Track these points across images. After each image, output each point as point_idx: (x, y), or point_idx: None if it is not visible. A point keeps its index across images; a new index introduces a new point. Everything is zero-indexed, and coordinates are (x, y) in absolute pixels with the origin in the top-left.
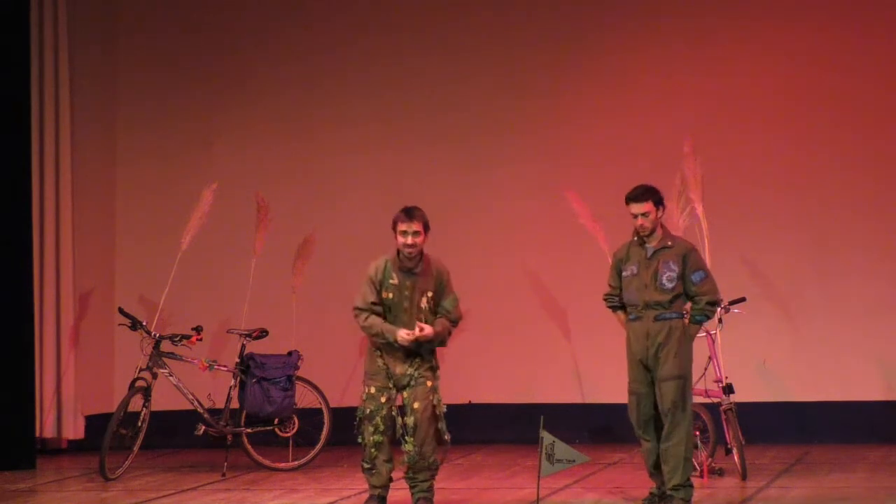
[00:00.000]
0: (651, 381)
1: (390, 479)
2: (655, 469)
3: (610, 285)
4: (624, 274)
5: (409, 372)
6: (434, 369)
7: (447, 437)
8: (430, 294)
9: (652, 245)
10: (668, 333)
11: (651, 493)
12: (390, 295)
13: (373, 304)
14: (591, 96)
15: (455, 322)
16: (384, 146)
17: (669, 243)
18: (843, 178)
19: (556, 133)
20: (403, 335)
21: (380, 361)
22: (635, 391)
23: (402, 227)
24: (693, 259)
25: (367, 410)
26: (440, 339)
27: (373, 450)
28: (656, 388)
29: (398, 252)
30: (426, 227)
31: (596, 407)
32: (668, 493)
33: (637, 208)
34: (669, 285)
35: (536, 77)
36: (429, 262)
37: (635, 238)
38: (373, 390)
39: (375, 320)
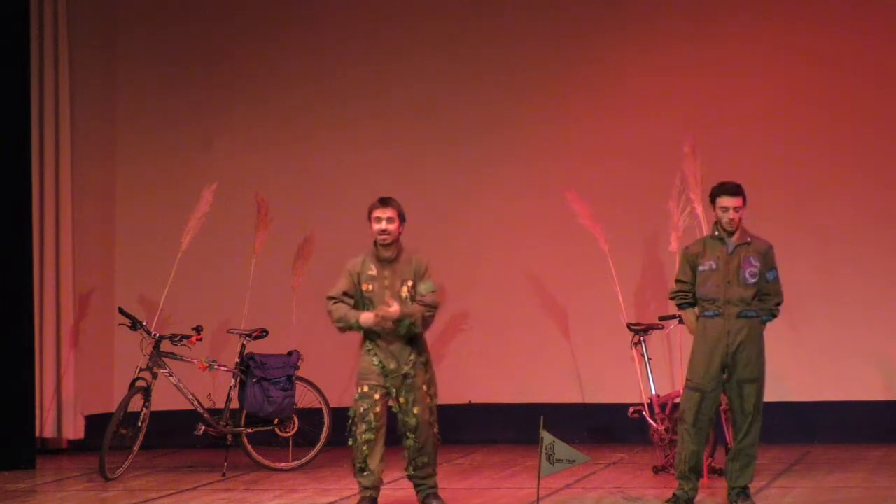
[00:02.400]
0: (721, 380)
1: (381, 481)
2: (693, 473)
3: (681, 281)
4: (700, 268)
5: (404, 370)
6: (426, 364)
7: (436, 429)
8: (409, 283)
9: (733, 241)
10: (748, 332)
11: (675, 496)
12: (370, 287)
13: (344, 293)
14: (591, 96)
15: (430, 307)
16: (384, 146)
17: (749, 239)
18: (844, 178)
19: (555, 133)
20: (367, 316)
21: (374, 360)
22: (701, 388)
23: (376, 213)
24: (771, 257)
25: (361, 409)
26: (411, 322)
27: (364, 448)
28: (733, 388)
29: (375, 243)
30: (401, 217)
31: (596, 407)
32: (738, 492)
33: (731, 202)
34: (752, 280)
35: (536, 77)
36: (406, 253)
37: (716, 233)
38: (366, 388)
39: (340, 306)
